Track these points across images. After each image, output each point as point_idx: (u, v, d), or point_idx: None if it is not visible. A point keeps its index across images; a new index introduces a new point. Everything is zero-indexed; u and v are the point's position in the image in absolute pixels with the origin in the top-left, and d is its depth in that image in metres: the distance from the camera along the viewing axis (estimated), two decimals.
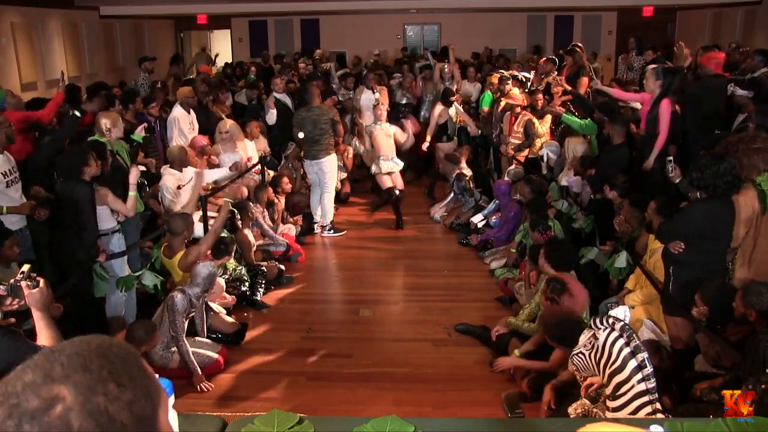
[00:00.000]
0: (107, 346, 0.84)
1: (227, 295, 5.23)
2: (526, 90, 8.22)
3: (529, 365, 3.93)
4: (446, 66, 8.72)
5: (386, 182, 7.46)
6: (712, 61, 6.03)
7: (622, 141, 5.62)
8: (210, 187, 6.50)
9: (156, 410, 0.84)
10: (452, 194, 7.83)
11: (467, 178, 7.52)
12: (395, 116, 8.75)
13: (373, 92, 8.56)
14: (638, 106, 6.16)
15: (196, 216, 5.72)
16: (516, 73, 8.84)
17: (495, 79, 8.45)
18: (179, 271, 4.76)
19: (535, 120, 7.33)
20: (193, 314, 4.42)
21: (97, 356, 0.81)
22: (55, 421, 0.75)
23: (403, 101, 9.26)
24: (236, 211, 5.93)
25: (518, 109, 7.56)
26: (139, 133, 5.74)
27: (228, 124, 7.06)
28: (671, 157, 4.46)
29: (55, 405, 0.76)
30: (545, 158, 7.02)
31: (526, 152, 7.39)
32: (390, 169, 7.47)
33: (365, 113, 8.53)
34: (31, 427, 0.74)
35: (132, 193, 4.67)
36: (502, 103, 7.90)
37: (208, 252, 4.93)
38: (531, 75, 9.13)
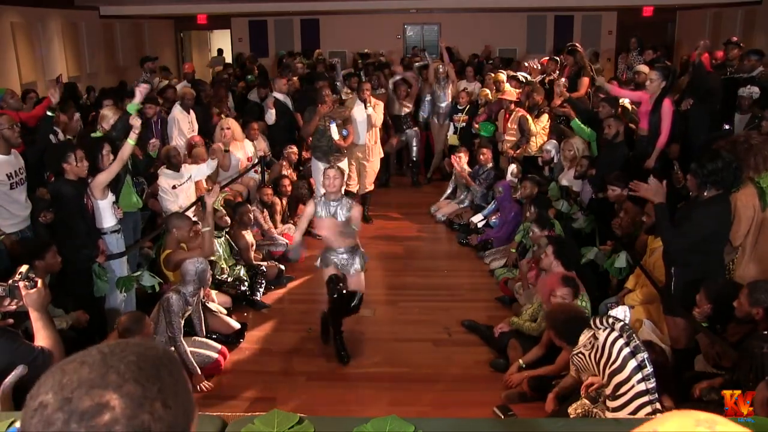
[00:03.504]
0: (161, 358, 0.85)
1: (212, 291, 5.18)
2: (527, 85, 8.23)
3: (537, 373, 3.92)
4: (441, 66, 8.66)
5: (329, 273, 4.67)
6: (703, 58, 6.07)
7: (622, 138, 5.64)
8: (210, 188, 6.50)
9: (189, 429, 0.86)
10: (453, 189, 7.86)
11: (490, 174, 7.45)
12: (398, 128, 8.68)
13: (366, 106, 7.42)
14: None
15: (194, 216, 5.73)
16: (514, 73, 8.85)
17: (499, 77, 8.45)
18: (165, 270, 4.76)
19: (528, 116, 7.33)
20: (189, 313, 4.41)
21: (152, 369, 0.82)
22: (101, 428, 0.76)
23: (403, 112, 8.58)
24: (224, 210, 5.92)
25: (512, 106, 7.56)
26: (153, 150, 5.66)
27: (230, 122, 7.10)
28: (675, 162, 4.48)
29: (104, 412, 0.77)
30: (555, 159, 6.93)
31: (522, 149, 7.39)
32: (342, 269, 4.67)
33: (358, 130, 7.44)
34: (78, 427, 0.76)
35: (130, 141, 4.62)
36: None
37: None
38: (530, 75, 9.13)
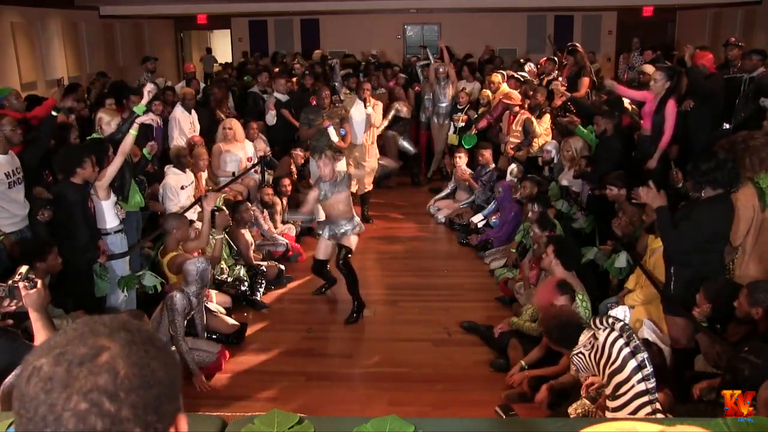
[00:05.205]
0: (139, 323, 0.90)
1: (211, 291, 5.17)
2: (527, 84, 8.24)
3: (539, 374, 3.91)
4: (441, 66, 8.65)
5: (324, 250, 5.33)
6: (706, 59, 6.06)
7: (612, 133, 5.68)
8: (209, 188, 6.50)
9: (180, 380, 0.88)
10: (452, 188, 7.86)
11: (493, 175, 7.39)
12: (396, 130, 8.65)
13: (365, 105, 7.39)
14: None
15: (193, 215, 5.73)
16: (513, 73, 8.85)
17: (495, 78, 8.45)
18: (168, 272, 4.75)
19: (533, 119, 7.33)
20: (192, 314, 4.41)
21: (137, 325, 0.87)
22: (103, 365, 0.78)
23: (401, 114, 8.41)
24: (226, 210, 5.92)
25: (516, 108, 7.56)
26: (152, 151, 5.63)
27: (232, 122, 7.10)
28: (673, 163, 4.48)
29: (102, 352, 0.79)
30: (554, 159, 6.94)
31: (524, 151, 7.39)
32: (346, 238, 5.22)
33: (356, 129, 7.43)
34: (80, 371, 0.77)
35: (132, 132, 4.59)
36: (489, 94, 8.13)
37: (198, 250, 4.94)
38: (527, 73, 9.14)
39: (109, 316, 0.86)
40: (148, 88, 4.92)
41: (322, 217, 5.65)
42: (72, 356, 0.78)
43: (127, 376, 0.78)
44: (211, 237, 5.12)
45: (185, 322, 4.27)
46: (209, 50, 16.06)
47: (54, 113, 4.98)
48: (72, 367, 0.77)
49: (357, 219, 5.35)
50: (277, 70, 9.94)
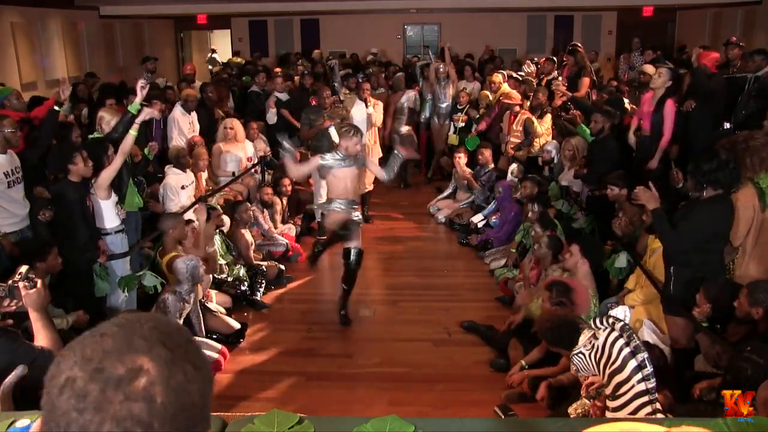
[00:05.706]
0: (176, 327, 0.86)
1: (211, 291, 5.17)
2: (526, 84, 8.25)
3: (538, 373, 3.91)
4: (441, 66, 8.64)
5: (337, 219, 5.11)
6: (709, 59, 6.06)
7: (608, 133, 5.70)
8: (209, 188, 6.50)
9: (211, 397, 0.86)
10: (453, 188, 7.86)
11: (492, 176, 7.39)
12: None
13: (366, 105, 7.46)
14: None
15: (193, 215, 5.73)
16: (513, 73, 8.85)
17: (495, 78, 8.45)
18: (167, 273, 4.75)
19: (534, 119, 7.33)
20: (187, 312, 4.40)
21: (174, 333, 0.83)
22: (140, 392, 0.75)
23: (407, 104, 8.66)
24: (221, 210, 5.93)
25: (517, 108, 7.56)
26: (153, 151, 5.61)
27: (233, 122, 7.10)
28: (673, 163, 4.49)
29: (140, 376, 0.76)
30: (555, 159, 6.94)
31: (525, 151, 7.39)
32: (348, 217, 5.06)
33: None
34: (115, 395, 0.75)
35: (132, 132, 4.56)
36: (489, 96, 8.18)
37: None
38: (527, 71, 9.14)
39: (147, 324, 0.82)
40: (141, 84, 4.83)
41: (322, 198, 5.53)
42: (108, 376, 0.75)
43: (164, 404, 0.76)
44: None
45: (182, 322, 4.27)
46: (214, 51, 16.03)
47: (56, 108, 4.97)
48: (108, 388, 0.75)
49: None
50: (279, 70, 9.91)
